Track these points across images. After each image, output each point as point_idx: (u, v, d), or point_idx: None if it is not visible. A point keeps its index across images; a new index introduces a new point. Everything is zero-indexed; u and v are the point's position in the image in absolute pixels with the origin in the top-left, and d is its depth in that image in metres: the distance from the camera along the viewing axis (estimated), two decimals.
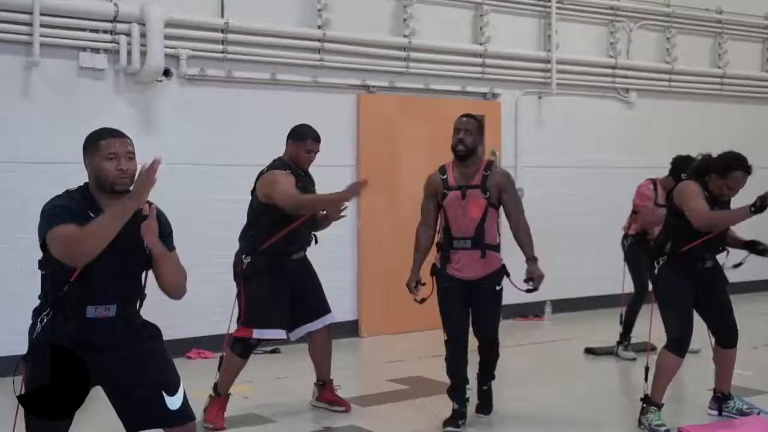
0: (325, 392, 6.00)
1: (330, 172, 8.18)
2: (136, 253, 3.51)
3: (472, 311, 5.47)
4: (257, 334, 5.52)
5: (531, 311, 9.64)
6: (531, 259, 5.46)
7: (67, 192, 3.54)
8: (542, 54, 9.74)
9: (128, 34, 7.21)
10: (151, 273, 3.63)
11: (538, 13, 9.77)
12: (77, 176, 7.21)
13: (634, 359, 7.39)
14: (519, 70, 9.59)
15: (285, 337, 5.70)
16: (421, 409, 5.99)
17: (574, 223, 9.89)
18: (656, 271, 5.52)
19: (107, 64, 7.23)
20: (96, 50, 7.19)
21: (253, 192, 5.69)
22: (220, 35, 7.74)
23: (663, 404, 5.48)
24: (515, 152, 9.63)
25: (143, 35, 7.23)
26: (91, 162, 3.50)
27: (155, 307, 7.46)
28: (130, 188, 3.44)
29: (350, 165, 8.54)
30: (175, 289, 3.64)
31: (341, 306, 8.53)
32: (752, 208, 5.07)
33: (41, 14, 6.84)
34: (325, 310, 5.88)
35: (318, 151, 5.77)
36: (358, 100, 8.55)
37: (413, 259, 5.52)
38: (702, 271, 5.49)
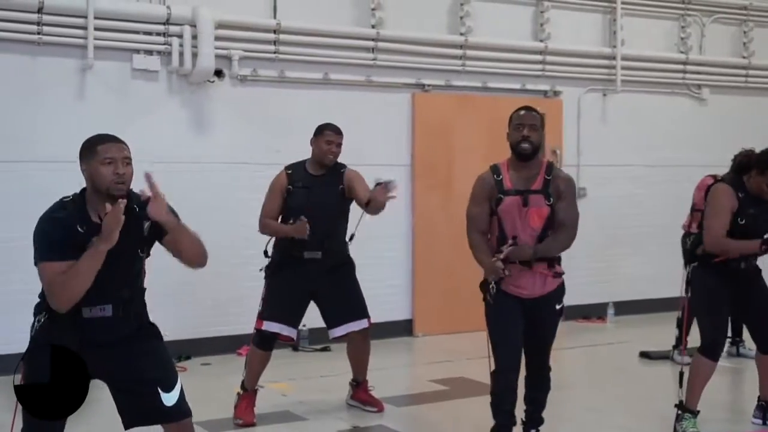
0: (359, 391, 6.01)
1: (384, 171, 8.21)
2: (127, 254, 3.57)
3: (526, 335, 4.71)
4: (266, 326, 5.62)
5: (593, 313, 9.45)
6: (533, 251, 4.56)
7: (62, 202, 3.59)
8: (607, 50, 9.53)
9: (180, 36, 7.36)
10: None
11: (602, 9, 9.57)
12: (135, 173, 7.46)
13: (688, 364, 7.15)
14: (582, 67, 9.41)
15: (293, 335, 5.75)
16: (454, 411, 5.95)
17: (640, 223, 9.65)
18: (689, 273, 5.36)
19: (160, 66, 7.40)
20: (149, 52, 7.37)
21: None
22: (272, 36, 7.83)
23: (699, 411, 5.32)
24: (577, 151, 9.46)
25: (195, 37, 7.37)
26: (88, 167, 3.56)
27: (208, 304, 7.67)
28: (124, 193, 3.49)
29: (405, 164, 8.54)
30: (197, 257, 3.70)
31: (395, 305, 8.57)
32: (763, 246, 5.02)
33: (95, 18, 7.04)
34: (361, 313, 5.85)
35: (339, 142, 5.76)
36: (413, 99, 8.53)
37: (480, 261, 4.67)
38: (738, 273, 5.29)
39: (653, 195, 9.70)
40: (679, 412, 5.33)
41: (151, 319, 7.08)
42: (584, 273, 9.47)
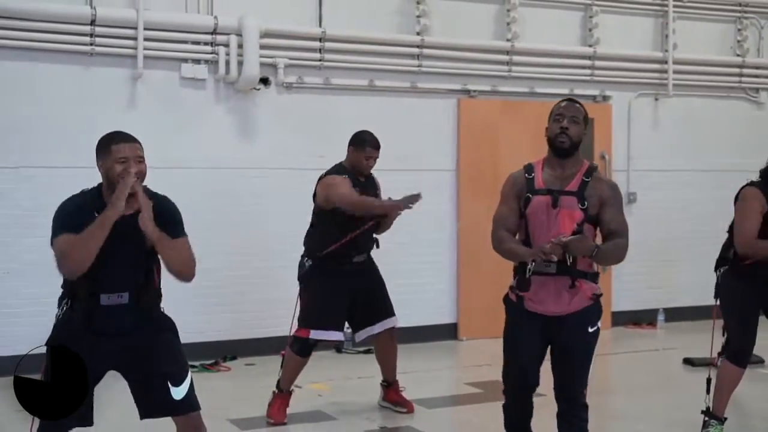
0: (390, 392, 6.11)
1: (430, 177, 8.35)
2: (140, 243, 3.73)
3: (553, 360, 4.28)
4: (314, 334, 5.69)
5: (643, 319, 9.38)
6: (596, 247, 4.11)
7: (82, 191, 3.83)
8: (658, 54, 9.45)
9: (227, 45, 7.57)
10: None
11: (653, 13, 9.49)
12: (182, 179, 7.73)
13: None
14: (632, 72, 9.35)
15: (341, 339, 5.86)
16: (483, 413, 6.00)
17: (691, 229, 9.52)
18: (719, 278, 5.32)
19: (207, 74, 7.62)
20: (197, 61, 7.59)
21: (314, 196, 5.89)
22: (317, 44, 7.99)
23: (726, 418, 5.27)
24: (627, 156, 9.39)
25: (240, 46, 7.58)
26: (103, 164, 3.75)
27: (255, 306, 7.83)
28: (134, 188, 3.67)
29: (450, 169, 8.61)
30: (177, 273, 3.84)
31: (440, 309, 8.66)
32: None
33: (145, 29, 7.30)
34: (387, 313, 5.97)
35: (377, 157, 5.89)
36: (458, 105, 8.61)
37: (511, 251, 4.23)
38: None
39: (705, 201, 9.56)
40: (706, 419, 5.29)
41: (199, 319, 7.39)
42: (634, 279, 9.43)
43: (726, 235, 5.52)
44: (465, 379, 6.93)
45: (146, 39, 7.33)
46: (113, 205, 3.60)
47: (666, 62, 9.43)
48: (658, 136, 9.55)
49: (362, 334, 5.98)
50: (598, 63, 9.16)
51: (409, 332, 8.36)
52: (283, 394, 5.82)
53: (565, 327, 4.17)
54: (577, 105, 4.29)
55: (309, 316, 5.71)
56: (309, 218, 7.79)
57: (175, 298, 7.55)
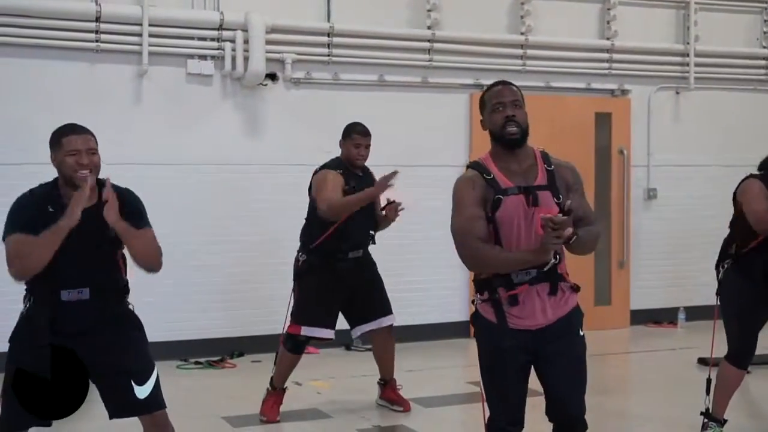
0: (387, 391, 6.03)
1: (443, 172, 8.22)
2: (99, 238, 3.68)
3: (544, 376, 3.68)
4: (305, 331, 5.63)
5: (664, 317, 9.18)
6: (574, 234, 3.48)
7: (40, 185, 3.79)
8: (679, 47, 9.23)
9: (233, 41, 7.54)
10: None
11: (674, 5, 9.27)
12: (189, 175, 7.68)
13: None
14: (652, 65, 9.15)
15: (332, 337, 5.77)
16: (478, 413, 5.86)
17: (714, 226, 9.22)
18: (720, 275, 5.16)
19: (214, 70, 7.60)
20: (203, 57, 7.58)
21: (309, 190, 5.82)
22: (325, 39, 7.92)
23: (726, 420, 5.11)
24: (648, 150, 9.19)
25: (246, 41, 7.54)
26: (55, 157, 3.71)
27: (262, 303, 7.77)
28: (86, 181, 3.63)
29: (463, 165, 8.40)
30: (143, 264, 3.78)
31: (452, 307, 8.55)
32: None
33: (150, 25, 7.30)
34: (383, 311, 5.87)
35: (367, 145, 5.78)
36: (471, 100, 8.48)
37: (500, 258, 3.56)
38: None
39: (728, 197, 9.23)
40: (705, 420, 5.13)
41: (206, 316, 7.34)
42: (655, 276, 9.24)
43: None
44: (468, 378, 6.80)
45: (152, 35, 7.33)
46: (69, 216, 3.53)
47: (687, 55, 9.21)
48: (679, 131, 9.34)
49: (357, 331, 5.92)
50: (616, 56, 8.98)
51: (420, 330, 8.29)
52: (276, 391, 5.76)
53: (553, 336, 3.60)
54: (514, 87, 3.76)
55: (301, 313, 5.65)
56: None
57: (183, 295, 7.62)
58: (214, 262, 7.67)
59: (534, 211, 3.56)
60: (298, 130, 7.89)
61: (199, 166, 7.58)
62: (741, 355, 5.02)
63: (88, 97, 7.26)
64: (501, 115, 3.65)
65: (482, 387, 3.70)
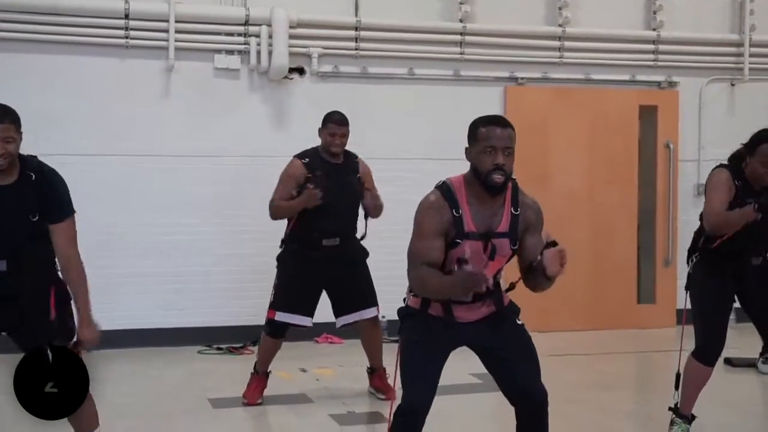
0: (375, 379, 6.05)
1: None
2: (18, 214, 3.85)
3: (497, 365, 3.83)
4: (279, 317, 5.72)
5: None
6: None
7: None
8: (734, 37, 8.85)
9: (258, 36, 7.71)
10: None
11: None
12: (216, 168, 7.88)
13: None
14: (702, 56, 8.80)
15: (310, 324, 5.82)
16: (472, 404, 5.87)
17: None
18: (689, 269, 4.95)
19: (240, 65, 7.79)
20: (230, 52, 7.78)
21: None
22: (353, 33, 7.99)
23: (694, 417, 4.91)
24: (698, 145, 8.85)
25: (271, 36, 7.69)
26: None
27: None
28: (4, 167, 3.82)
29: None
30: (64, 258, 3.96)
31: None
32: (755, 206, 4.55)
33: (177, 21, 7.55)
34: (364, 303, 5.88)
35: (344, 134, 5.83)
36: (505, 93, 8.38)
37: (443, 283, 3.60)
38: (749, 270, 4.83)
39: None
40: (673, 416, 4.94)
41: (232, 303, 7.56)
42: None
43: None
44: (471, 370, 6.71)
45: (178, 31, 7.58)
46: None
47: (742, 45, 8.81)
48: (733, 124, 8.90)
49: (339, 322, 5.94)
50: (662, 47, 8.68)
51: None
52: (259, 375, 5.87)
53: (494, 326, 3.75)
54: (510, 129, 3.66)
55: (277, 299, 5.75)
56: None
57: (209, 282, 7.81)
58: (240, 251, 7.85)
59: (486, 261, 3.63)
60: None
61: (226, 158, 7.78)
62: (707, 352, 4.82)
63: (119, 91, 7.58)
64: (490, 160, 3.59)
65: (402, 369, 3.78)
